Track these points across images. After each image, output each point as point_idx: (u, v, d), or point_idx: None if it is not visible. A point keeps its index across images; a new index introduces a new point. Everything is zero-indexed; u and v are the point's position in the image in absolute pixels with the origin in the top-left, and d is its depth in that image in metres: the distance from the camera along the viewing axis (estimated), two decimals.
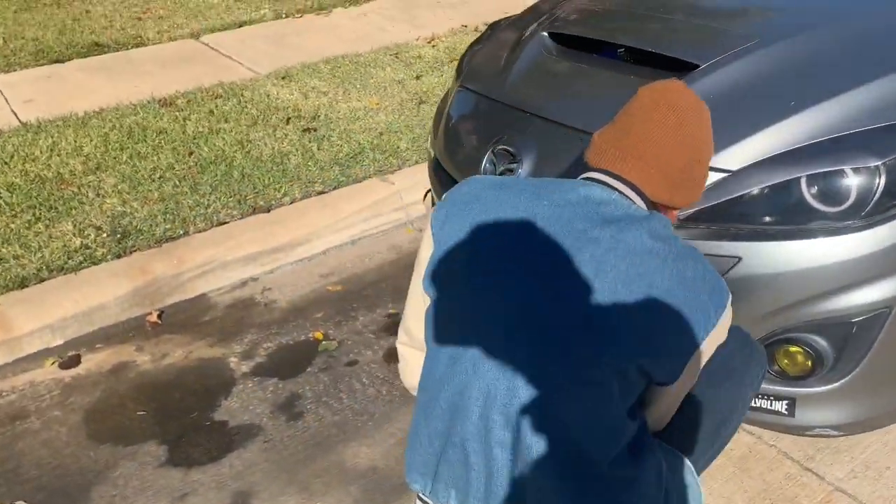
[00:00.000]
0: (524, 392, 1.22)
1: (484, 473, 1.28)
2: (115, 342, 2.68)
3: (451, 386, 1.29)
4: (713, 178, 1.71)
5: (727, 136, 1.76)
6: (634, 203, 1.33)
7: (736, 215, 1.73)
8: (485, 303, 1.28)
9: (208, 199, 3.22)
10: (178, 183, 3.32)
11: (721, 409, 1.47)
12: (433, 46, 4.75)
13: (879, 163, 1.64)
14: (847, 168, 1.66)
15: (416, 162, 3.49)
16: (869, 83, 1.77)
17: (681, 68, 2.01)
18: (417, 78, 4.28)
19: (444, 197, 1.45)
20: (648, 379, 1.27)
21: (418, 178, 3.40)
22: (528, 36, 2.48)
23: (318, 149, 3.57)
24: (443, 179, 2.36)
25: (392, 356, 2.53)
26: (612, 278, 1.20)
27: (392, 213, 3.36)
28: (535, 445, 1.23)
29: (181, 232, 3.05)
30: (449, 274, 1.35)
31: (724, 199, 1.74)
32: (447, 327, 1.33)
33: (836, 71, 1.87)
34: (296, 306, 2.85)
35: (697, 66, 1.97)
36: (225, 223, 3.12)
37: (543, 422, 1.22)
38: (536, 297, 1.24)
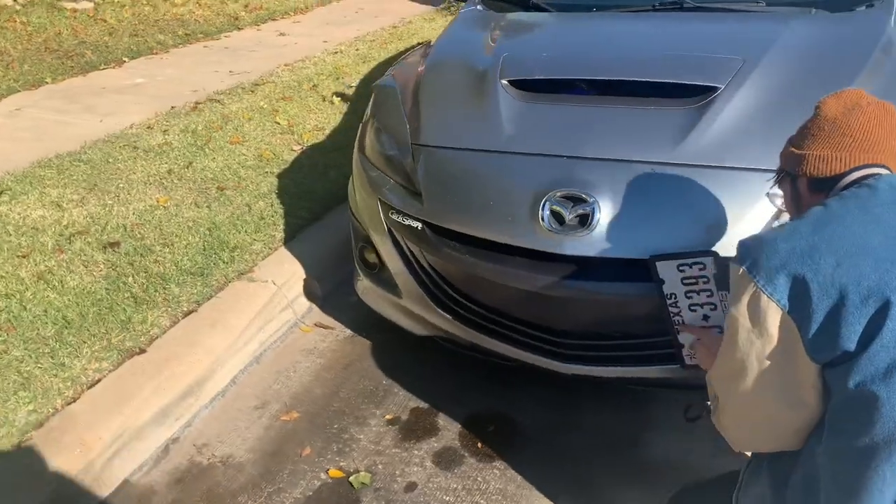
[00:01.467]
0: None
1: None
2: None
3: None
4: None
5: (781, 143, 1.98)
6: None
7: None
8: None
9: (60, 358, 2.32)
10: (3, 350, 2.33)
11: None
12: (164, 132, 4.11)
13: None
14: None
15: (266, 254, 3.01)
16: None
17: (673, 94, 2.18)
18: (189, 165, 3.67)
19: (774, 251, 1.30)
20: None
21: (286, 269, 2.95)
22: (486, 87, 2.39)
23: (149, 263, 2.84)
24: (437, 242, 2.16)
25: (444, 455, 2.17)
26: None
27: (281, 315, 2.85)
28: None
29: (51, 409, 2.15)
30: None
31: None
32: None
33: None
34: (265, 453, 2.24)
35: (708, 91, 2.15)
36: (98, 381, 2.29)
37: None
38: None
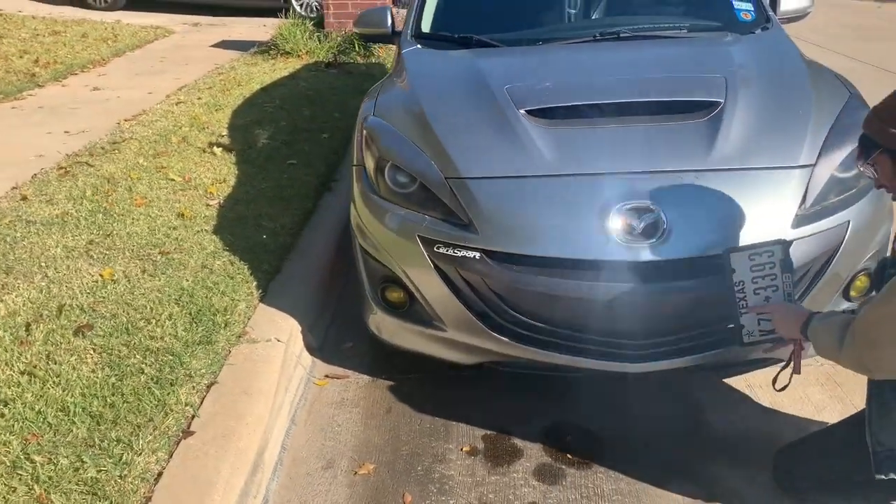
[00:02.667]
0: None
1: None
2: None
3: None
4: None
5: (793, 141, 2.37)
6: None
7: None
8: None
9: (118, 456, 2.04)
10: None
11: None
12: (49, 203, 3.65)
13: None
14: None
15: (249, 313, 2.85)
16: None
17: (680, 110, 2.50)
18: (111, 234, 3.32)
19: None
20: None
21: (279, 325, 2.82)
22: (507, 117, 2.52)
23: (145, 340, 2.56)
24: (500, 268, 2.25)
25: (543, 471, 2.25)
26: None
27: (295, 372, 2.72)
28: None
29: None
30: None
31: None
32: None
33: None
34: None
35: (712, 105, 2.48)
36: (161, 473, 2.06)
37: None
38: None
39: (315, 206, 3.91)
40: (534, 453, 2.35)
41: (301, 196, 3.92)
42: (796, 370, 2.08)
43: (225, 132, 4.90)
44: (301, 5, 10.23)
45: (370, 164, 2.64)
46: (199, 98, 5.74)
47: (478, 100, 2.67)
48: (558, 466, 2.29)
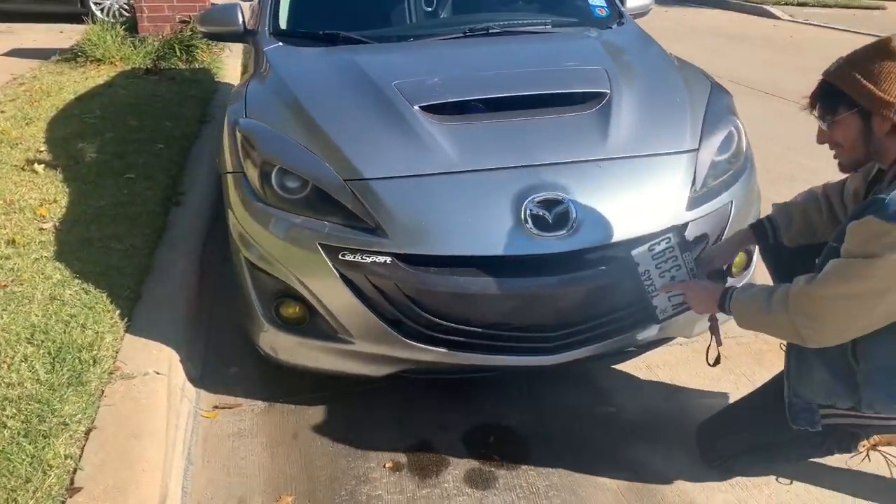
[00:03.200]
0: None
1: None
2: None
3: None
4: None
5: (678, 128, 2.48)
6: None
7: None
8: None
9: None
10: None
11: None
12: None
13: None
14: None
15: (118, 346, 2.54)
16: None
17: (568, 102, 2.54)
18: None
19: None
20: None
21: (154, 356, 2.53)
22: (401, 115, 2.42)
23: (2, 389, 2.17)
24: (414, 272, 2.16)
25: (474, 476, 2.18)
26: None
27: (181, 406, 2.43)
28: None
29: None
30: None
31: None
32: None
33: None
34: None
35: (599, 96, 2.53)
36: None
37: None
38: None
39: (165, 222, 3.56)
40: (460, 460, 2.26)
41: (148, 213, 3.56)
42: (718, 342, 2.17)
43: (43, 147, 4.36)
44: (102, 10, 9.44)
45: (251, 169, 2.43)
46: (3, 111, 5.08)
47: (365, 98, 2.54)
48: (488, 470, 2.22)
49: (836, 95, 1.74)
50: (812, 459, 2.14)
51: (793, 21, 12.01)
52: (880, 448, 2.13)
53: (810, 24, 11.54)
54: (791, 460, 2.12)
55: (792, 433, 1.96)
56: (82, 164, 4.10)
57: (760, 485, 2.14)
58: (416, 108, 2.44)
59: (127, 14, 9.26)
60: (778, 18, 12.34)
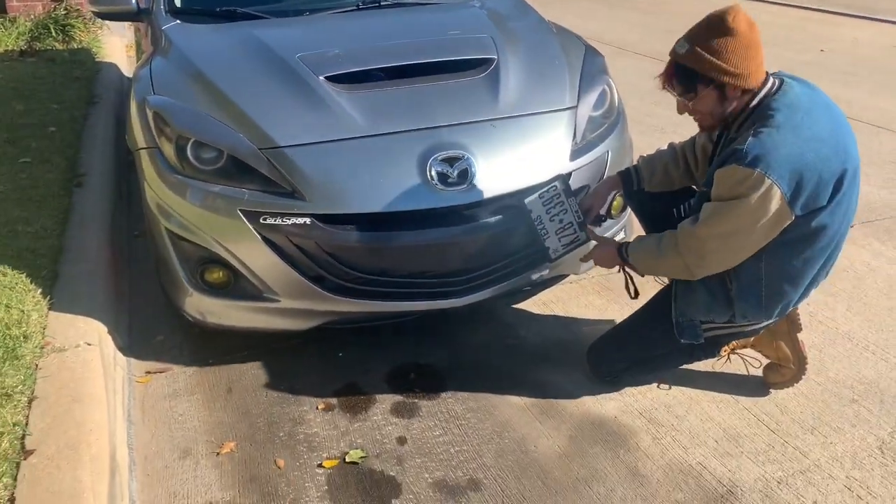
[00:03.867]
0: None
1: None
2: None
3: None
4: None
5: (558, 88, 2.78)
6: None
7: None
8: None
9: None
10: None
11: None
12: None
13: None
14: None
15: (44, 322, 2.62)
16: None
17: (460, 68, 2.79)
18: None
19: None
20: None
21: (81, 328, 2.63)
22: (308, 85, 2.59)
23: None
24: (331, 230, 2.37)
25: (400, 409, 2.43)
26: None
27: (115, 373, 2.56)
28: None
29: None
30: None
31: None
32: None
33: None
34: (245, 487, 2.16)
35: (487, 61, 2.79)
36: (14, 499, 1.89)
37: None
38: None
39: (70, 203, 3.58)
40: (385, 396, 2.51)
41: (51, 195, 3.57)
42: (633, 283, 2.49)
43: None
44: None
45: (166, 144, 2.55)
46: None
47: (271, 70, 2.70)
48: (411, 402, 2.48)
49: (690, 74, 2.03)
50: (685, 366, 2.51)
51: None
52: (738, 352, 2.54)
53: None
54: (669, 368, 2.49)
55: (668, 347, 2.32)
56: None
57: (645, 391, 2.50)
58: (322, 78, 2.62)
59: None
60: None
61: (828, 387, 2.50)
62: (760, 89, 2.05)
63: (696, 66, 2.02)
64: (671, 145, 2.53)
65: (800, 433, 2.30)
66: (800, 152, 1.94)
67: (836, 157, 1.99)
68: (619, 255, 2.35)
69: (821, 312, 2.89)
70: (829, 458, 2.19)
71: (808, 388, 2.48)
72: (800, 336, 2.42)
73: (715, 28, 1.99)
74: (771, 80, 2.08)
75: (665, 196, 2.50)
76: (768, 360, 2.51)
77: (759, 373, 2.52)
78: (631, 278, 2.46)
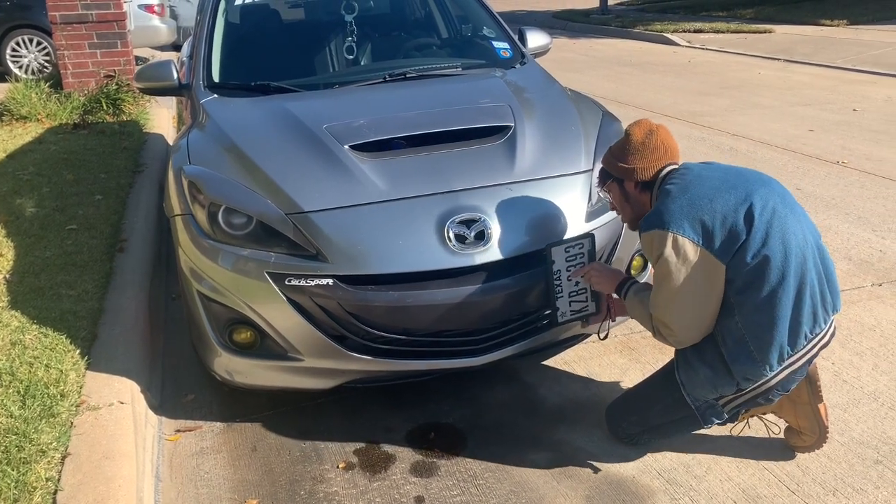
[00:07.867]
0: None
1: None
2: None
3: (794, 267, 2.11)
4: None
5: (574, 152, 2.87)
6: None
7: None
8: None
9: None
10: None
11: None
12: None
13: None
14: None
15: (82, 382, 2.74)
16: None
17: (479, 135, 2.90)
18: None
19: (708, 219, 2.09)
20: None
21: (116, 388, 2.74)
22: (333, 154, 2.73)
23: None
24: (354, 290, 2.45)
25: (419, 468, 2.46)
26: None
27: (146, 431, 2.65)
28: None
29: None
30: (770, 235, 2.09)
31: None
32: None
33: None
34: None
35: (505, 128, 2.90)
36: None
37: None
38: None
39: (111, 268, 3.75)
40: (405, 455, 2.55)
41: (94, 260, 3.75)
42: (612, 318, 2.60)
43: None
44: (20, 67, 9.47)
45: (199, 211, 2.69)
46: None
47: (299, 140, 2.84)
48: (430, 461, 2.51)
49: (604, 173, 2.44)
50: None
51: (690, 47, 12.87)
52: (759, 416, 2.51)
53: (706, 49, 12.40)
54: (684, 433, 2.49)
55: (681, 413, 2.34)
56: (23, 219, 4.25)
57: (664, 451, 2.49)
58: (347, 147, 2.76)
59: (46, 69, 9.32)
60: (677, 45, 13.21)
61: (851, 447, 2.46)
62: (655, 180, 2.28)
63: (605, 164, 2.42)
64: None
65: (821, 494, 2.26)
66: (690, 203, 2.12)
67: (734, 195, 2.13)
68: (619, 288, 2.43)
69: (846, 371, 2.87)
70: None
71: (832, 449, 2.45)
72: (821, 406, 2.39)
73: (623, 137, 2.37)
74: (668, 168, 2.29)
75: None
76: (788, 424, 2.49)
77: (781, 435, 2.50)
78: (612, 314, 2.60)
